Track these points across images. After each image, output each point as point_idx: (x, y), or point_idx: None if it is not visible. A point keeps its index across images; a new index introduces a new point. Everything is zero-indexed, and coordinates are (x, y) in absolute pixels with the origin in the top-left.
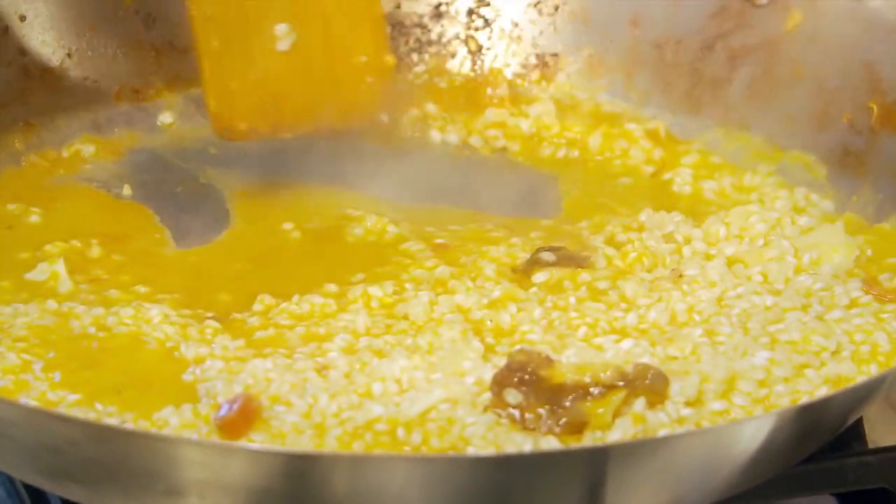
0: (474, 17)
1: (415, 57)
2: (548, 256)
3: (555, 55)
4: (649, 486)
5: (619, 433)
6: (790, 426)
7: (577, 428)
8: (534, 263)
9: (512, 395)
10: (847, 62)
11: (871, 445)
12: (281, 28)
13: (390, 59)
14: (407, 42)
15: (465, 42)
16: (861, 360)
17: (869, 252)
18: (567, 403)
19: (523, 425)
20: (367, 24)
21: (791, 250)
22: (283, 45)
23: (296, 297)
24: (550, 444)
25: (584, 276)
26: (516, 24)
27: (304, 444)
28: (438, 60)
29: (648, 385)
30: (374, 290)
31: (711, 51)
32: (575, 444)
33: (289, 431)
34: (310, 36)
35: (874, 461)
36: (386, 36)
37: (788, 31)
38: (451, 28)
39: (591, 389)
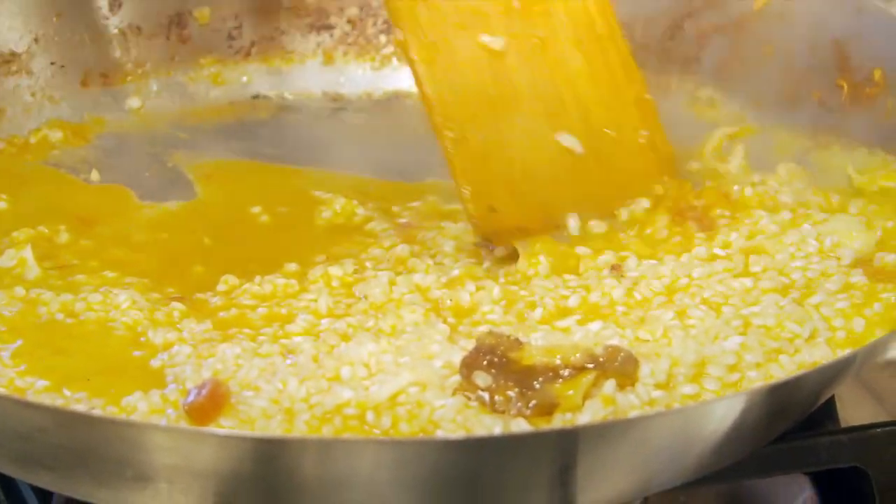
0: None
1: (383, 38)
2: None
3: None
4: (620, 468)
5: (589, 415)
6: (761, 406)
7: (547, 410)
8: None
9: (481, 378)
10: (816, 40)
11: (843, 424)
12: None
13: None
14: (375, 23)
15: None
16: (837, 345)
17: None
18: (536, 385)
19: (493, 408)
20: (633, 104)
21: (814, 233)
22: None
23: (258, 279)
24: (520, 426)
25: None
26: None
27: (273, 429)
28: None
29: (618, 367)
30: (335, 270)
31: (680, 30)
32: (545, 426)
33: (257, 416)
34: (570, 122)
35: (846, 440)
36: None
37: (757, 10)
38: None
39: (561, 371)
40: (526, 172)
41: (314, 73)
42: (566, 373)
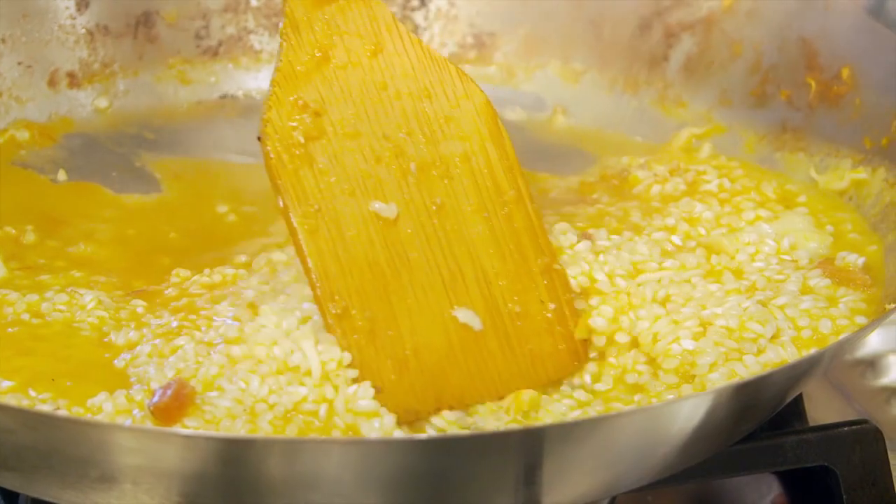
0: None
1: None
2: None
3: (491, 34)
4: (586, 467)
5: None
6: (727, 405)
7: None
8: None
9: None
10: (784, 39)
11: (811, 423)
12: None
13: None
14: None
15: (402, 22)
16: (803, 345)
17: (829, 228)
18: None
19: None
20: (540, 275)
21: (772, 234)
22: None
23: (207, 271)
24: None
25: None
26: (453, 4)
27: (237, 429)
28: None
29: None
30: (278, 256)
31: (648, 28)
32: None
33: (222, 416)
34: (468, 296)
35: (814, 439)
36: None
37: (726, 8)
38: (389, 8)
39: None
40: (417, 351)
41: None
42: None
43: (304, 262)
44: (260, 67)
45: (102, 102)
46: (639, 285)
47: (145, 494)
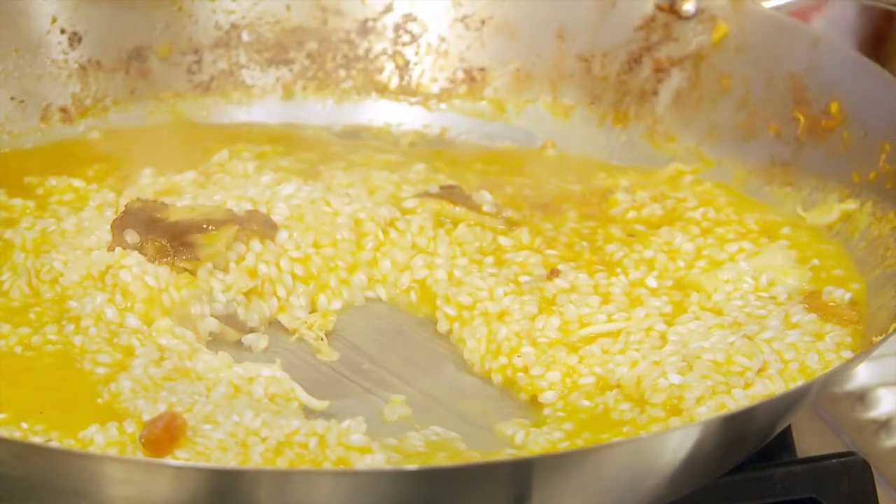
0: (401, 32)
1: (342, 73)
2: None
3: (482, 69)
4: (575, 498)
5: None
6: (716, 436)
7: (195, 256)
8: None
9: (130, 236)
10: (773, 73)
11: (800, 455)
12: None
13: None
14: (334, 58)
15: (393, 57)
16: (790, 378)
17: (816, 261)
18: (184, 238)
19: (150, 258)
20: None
21: (749, 271)
22: None
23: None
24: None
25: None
26: (443, 39)
27: (228, 460)
28: (366, 76)
29: (258, 228)
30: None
31: (638, 63)
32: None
33: (214, 448)
34: None
35: (801, 471)
36: None
37: (715, 44)
38: (379, 44)
39: (205, 227)
40: None
41: (274, 107)
42: (210, 228)
43: None
44: (251, 102)
45: (95, 136)
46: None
47: None
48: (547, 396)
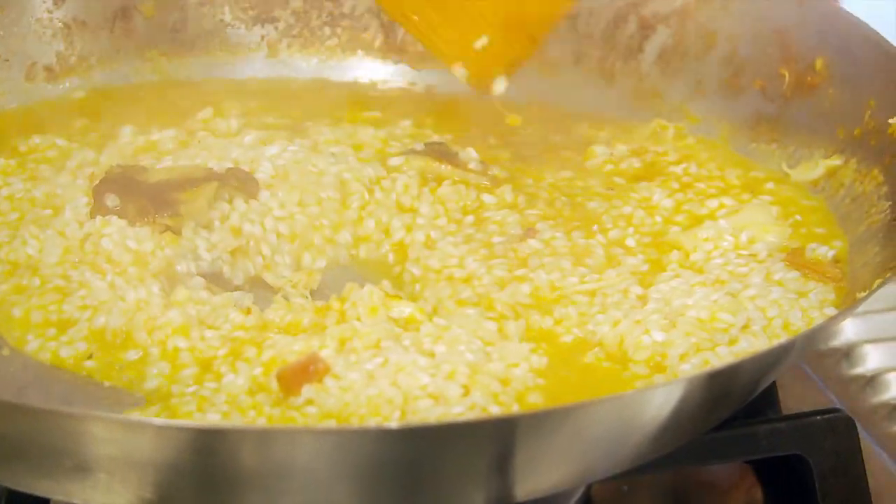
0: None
1: (327, 30)
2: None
3: None
4: (559, 456)
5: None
6: (700, 393)
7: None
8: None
9: (110, 200)
10: (759, 30)
11: (785, 412)
12: None
13: None
14: (319, 15)
15: (378, 15)
16: (774, 335)
17: (798, 217)
18: (165, 197)
19: (131, 220)
20: None
21: (729, 229)
22: None
23: None
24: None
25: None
26: None
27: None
28: (351, 34)
29: (239, 184)
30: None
31: (623, 20)
32: None
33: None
34: None
35: (786, 427)
36: None
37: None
38: (364, 2)
39: (185, 185)
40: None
41: (259, 65)
42: (190, 186)
43: None
44: (236, 60)
45: (80, 95)
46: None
47: (119, 484)
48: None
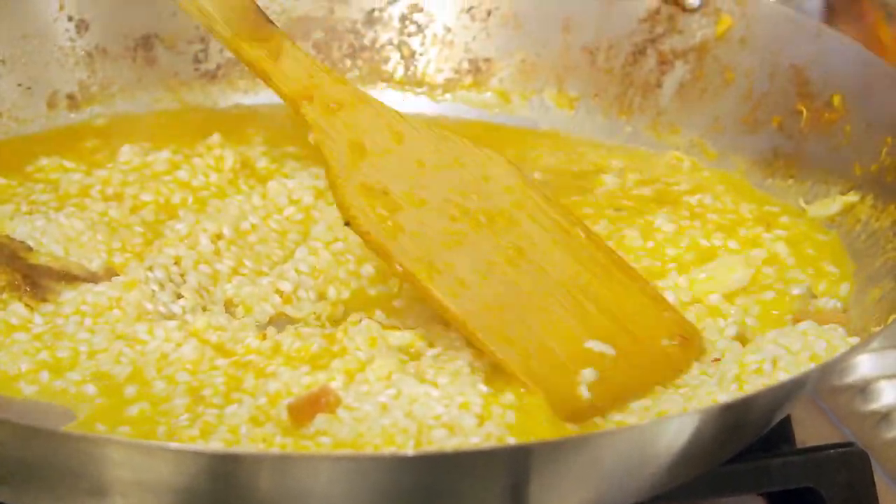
0: (407, 22)
1: (348, 62)
2: None
3: (487, 60)
4: (573, 485)
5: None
6: (714, 425)
7: (41, 297)
8: None
9: None
10: (776, 66)
11: (799, 445)
12: None
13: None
14: (340, 47)
15: (398, 48)
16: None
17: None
18: (41, 280)
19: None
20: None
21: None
22: None
23: None
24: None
25: None
26: (449, 30)
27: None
28: (371, 66)
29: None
30: None
31: (642, 55)
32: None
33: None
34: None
35: (800, 461)
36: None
37: (719, 36)
38: (385, 34)
39: (63, 275)
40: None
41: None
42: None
43: (446, 312)
44: (258, 90)
45: (102, 122)
46: None
47: None
48: None
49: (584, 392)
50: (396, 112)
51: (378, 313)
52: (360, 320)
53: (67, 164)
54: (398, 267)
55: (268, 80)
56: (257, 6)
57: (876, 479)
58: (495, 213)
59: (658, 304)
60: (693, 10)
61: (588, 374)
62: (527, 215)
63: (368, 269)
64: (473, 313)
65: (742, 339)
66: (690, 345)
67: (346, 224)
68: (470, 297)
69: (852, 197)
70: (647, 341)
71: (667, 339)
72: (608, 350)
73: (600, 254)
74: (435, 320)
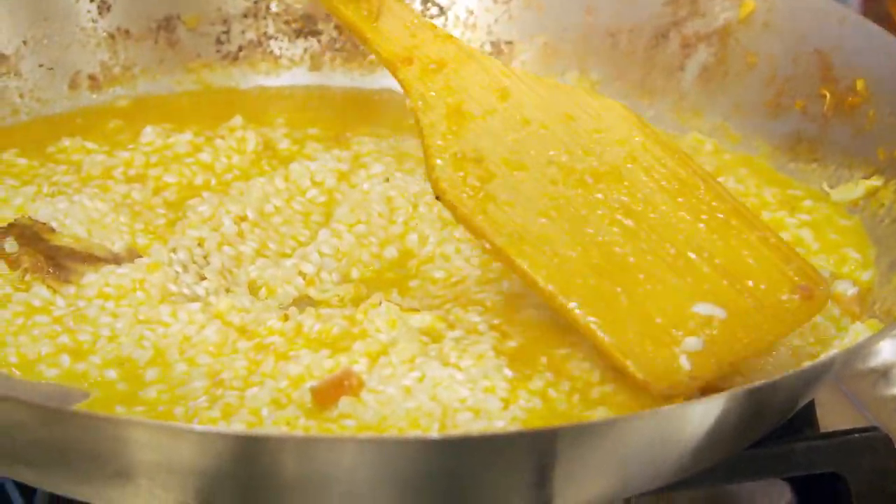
0: (429, 5)
1: None
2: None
3: (510, 43)
4: (598, 469)
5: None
6: (739, 409)
7: (65, 278)
8: None
9: (9, 244)
10: (799, 50)
11: (823, 430)
12: None
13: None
14: None
15: None
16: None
17: (833, 236)
18: (61, 261)
19: (13, 267)
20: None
21: None
22: None
23: None
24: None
25: None
26: (471, 12)
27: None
28: None
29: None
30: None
31: (665, 39)
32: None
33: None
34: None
35: (823, 446)
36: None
37: (742, 20)
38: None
39: (86, 257)
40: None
41: (301, 77)
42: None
43: (535, 286)
44: (279, 72)
45: (124, 104)
46: None
47: (160, 489)
48: None
49: (683, 363)
50: (504, 66)
51: (394, 294)
52: (380, 302)
53: (90, 145)
54: (486, 244)
55: (365, 43)
56: None
57: None
58: (603, 171)
59: (781, 255)
60: None
61: (690, 342)
62: (641, 168)
63: (392, 251)
64: (565, 286)
65: None
66: (813, 296)
67: (437, 198)
68: (563, 268)
69: (875, 181)
70: (764, 299)
71: (787, 294)
72: (719, 313)
73: (721, 204)
74: (452, 302)
